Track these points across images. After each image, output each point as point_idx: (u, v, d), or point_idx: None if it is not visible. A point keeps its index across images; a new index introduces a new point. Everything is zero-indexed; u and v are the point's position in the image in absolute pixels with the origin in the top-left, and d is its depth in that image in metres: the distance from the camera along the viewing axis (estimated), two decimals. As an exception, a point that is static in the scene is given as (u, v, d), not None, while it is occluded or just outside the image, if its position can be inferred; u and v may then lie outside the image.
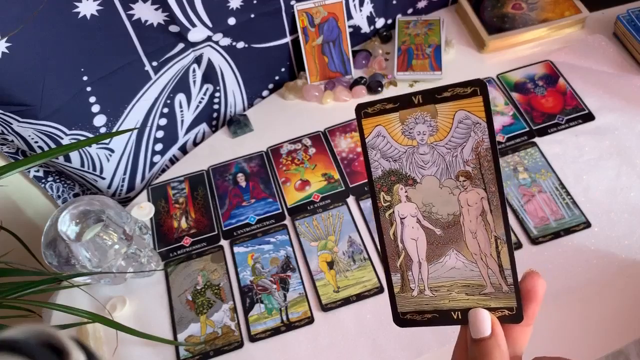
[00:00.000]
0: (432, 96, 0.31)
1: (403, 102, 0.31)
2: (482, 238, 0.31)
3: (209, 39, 0.83)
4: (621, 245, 0.73)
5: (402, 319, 0.33)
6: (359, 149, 0.88)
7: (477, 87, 0.30)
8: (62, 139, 0.76)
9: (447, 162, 0.31)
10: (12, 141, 0.75)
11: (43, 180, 0.86)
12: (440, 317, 0.32)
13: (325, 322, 0.72)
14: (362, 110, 0.32)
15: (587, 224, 0.75)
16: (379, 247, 0.32)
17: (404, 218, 0.33)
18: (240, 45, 0.88)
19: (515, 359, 0.31)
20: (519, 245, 0.75)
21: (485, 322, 0.30)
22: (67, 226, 0.68)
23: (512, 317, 0.30)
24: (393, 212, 0.33)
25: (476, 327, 0.30)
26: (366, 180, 0.93)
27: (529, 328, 0.31)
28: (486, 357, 0.29)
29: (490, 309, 0.31)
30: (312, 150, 0.89)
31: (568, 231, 0.75)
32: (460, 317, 0.32)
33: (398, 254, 0.33)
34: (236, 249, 0.80)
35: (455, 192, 0.31)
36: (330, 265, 0.77)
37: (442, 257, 0.32)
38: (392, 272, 0.33)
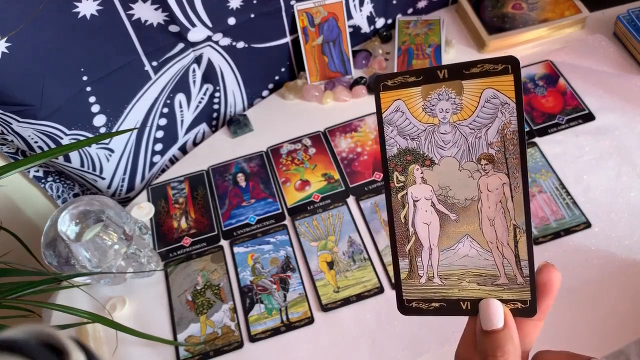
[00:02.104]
0: (460, 71, 0.29)
1: (427, 76, 0.29)
2: (499, 226, 0.29)
3: (208, 39, 0.83)
4: (621, 245, 0.73)
5: (407, 307, 0.32)
6: (359, 149, 0.88)
7: (509, 65, 0.28)
8: (62, 139, 0.76)
9: (470, 144, 0.29)
10: (12, 141, 0.74)
11: (43, 180, 0.86)
12: (448, 307, 0.31)
13: (325, 322, 0.72)
14: (381, 83, 0.30)
15: (588, 224, 0.75)
16: (389, 232, 0.31)
17: (418, 201, 0.31)
18: (240, 45, 0.88)
19: (524, 355, 0.29)
20: (519, 245, 0.75)
21: (498, 313, 0.28)
22: (67, 226, 0.68)
23: (525, 310, 0.29)
24: (406, 193, 0.31)
25: (488, 318, 0.28)
26: (366, 180, 0.92)
27: (540, 323, 0.30)
28: (498, 350, 0.27)
29: (502, 301, 0.29)
30: (312, 150, 0.89)
31: (568, 231, 0.75)
32: (469, 308, 0.30)
33: (408, 238, 0.31)
34: (236, 249, 0.80)
35: (475, 176, 0.29)
36: (330, 265, 0.77)
37: (455, 244, 0.30)
38: (400, 257, 0.31)
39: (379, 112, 0.31)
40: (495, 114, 0.28)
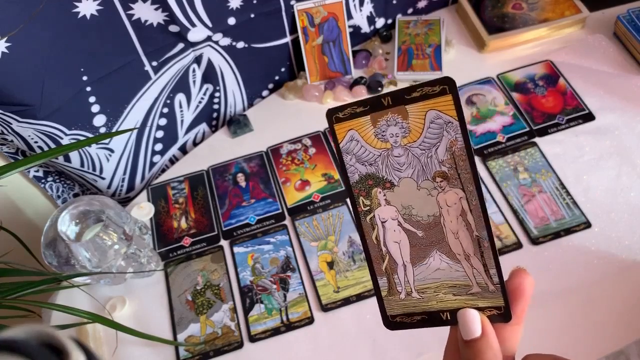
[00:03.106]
0: (402, 97, 0.30)
1: (373, 105, 0.31)
2: (464, 238, 0.31)
3: (208, 38, 0.83)
4: (621, 245, 0.73)
5: (391, 322, 0.33)
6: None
7: (446, 86, 0.29)
8: (61, 139, 0.76)
9: (423, 164, 0.31)
10: (12, 141, 0.74)
11: (43, 180, 0.86)
12: (430, 319, 0.32)
13: (325, 322, 0.72)
14: (333, 115, 0.32)
15: (588, 224, 0.75)
16: (364, 253, 0.33)
17: (385, 221, 0.32)
18: (240, 45, 0.88)
19: (508, 359, 0.30)
20: (519, 246, 0.75)
21: (475, 322, 0.29)
22: (66, 226, 0.68)
23: (501, 316, 0.30)
24: (374, 216, 0.32)
25: (467, 328, 0.29)
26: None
27: (519, 327, 0.30)
28: (478, 358, 0.28)
29: (478, 309, 0.30)
30: (312, 150, 0.89)
31: (568, 231, 0.75)
32: (449, 318, 0.31)
33: (382, 258, 0.33)
34: (236, 249, 0.80)
35: (433, 193, 0.31)
36: (330, 265, 0.77)
37: (426, 259, 0.32)
38: (377, 275, 0.33)
39: (336, 143, 0.32)
40: (441, 133, 0.30)
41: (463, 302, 0.31)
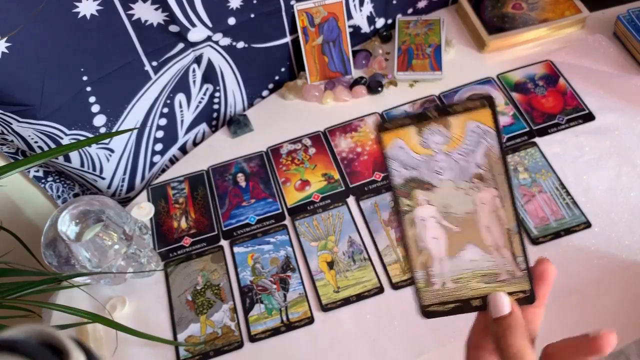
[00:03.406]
0: (446, 111, 0.34)
1: (419, 118, 0.35)
2: (495, 231, 0.34)
3: (208, 39, 0.83)
4: (621, 245, 0.73)
5: (427, 311, 0.36)
6: (359, 149, 0.88)
7: (487, 101, 0.34)
8: (62, 139, 0.76)
9: (461, 167, 0.34)
10: (12, 141, 0.74)
11: (43, 180, 0.86)
12: (462, 306, 0.35)
13: (325, 322, 0.72)
14: (382, 126, 0.36)
15: (588, 224, 0.75)
16: (403, 249, 0.36)
17: (425, 220, 0.35)
18: (240, 45, 0.88)
19: (530, 341, 0.33)
20: (519, 245, 0.75)
21: (504, 302, 0.33)
22: (67, 226, 0.68)
23: (526, 298, 0.34)
24: (414, 215, 0.36)
25: (496, 308, 0.33)
26: (366, 180, 0.94)
27: (541, 310, 0.34)
28: (507, 331, 0.32)
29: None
30: (312, 150, 0.89)
31: (568, 231, 0.75)
32: (480, 304, 0.35)
33: (420, 253, 0.36)
34: (236, 249, 0.80)
35: (470, 193, 0.35)
36: (330, 265, 0.77)
37: (461, 252, 0.35)
38: (415, 270, 0.36)
39: (382, 150, 0.36)
40: (479, 141, 0.34)
41: (493, 288, 0.34)
